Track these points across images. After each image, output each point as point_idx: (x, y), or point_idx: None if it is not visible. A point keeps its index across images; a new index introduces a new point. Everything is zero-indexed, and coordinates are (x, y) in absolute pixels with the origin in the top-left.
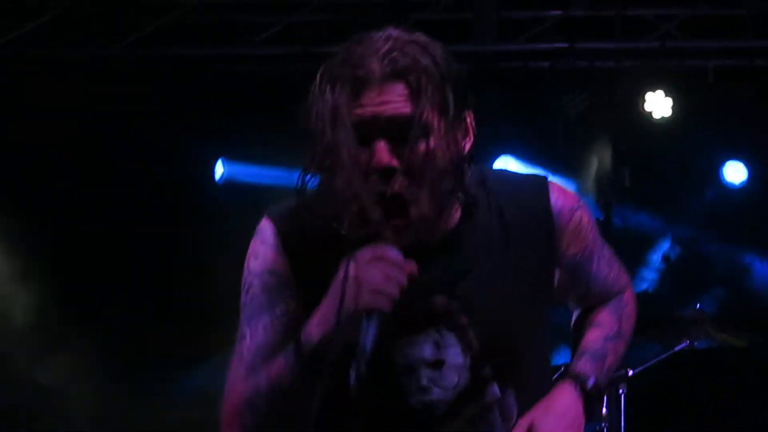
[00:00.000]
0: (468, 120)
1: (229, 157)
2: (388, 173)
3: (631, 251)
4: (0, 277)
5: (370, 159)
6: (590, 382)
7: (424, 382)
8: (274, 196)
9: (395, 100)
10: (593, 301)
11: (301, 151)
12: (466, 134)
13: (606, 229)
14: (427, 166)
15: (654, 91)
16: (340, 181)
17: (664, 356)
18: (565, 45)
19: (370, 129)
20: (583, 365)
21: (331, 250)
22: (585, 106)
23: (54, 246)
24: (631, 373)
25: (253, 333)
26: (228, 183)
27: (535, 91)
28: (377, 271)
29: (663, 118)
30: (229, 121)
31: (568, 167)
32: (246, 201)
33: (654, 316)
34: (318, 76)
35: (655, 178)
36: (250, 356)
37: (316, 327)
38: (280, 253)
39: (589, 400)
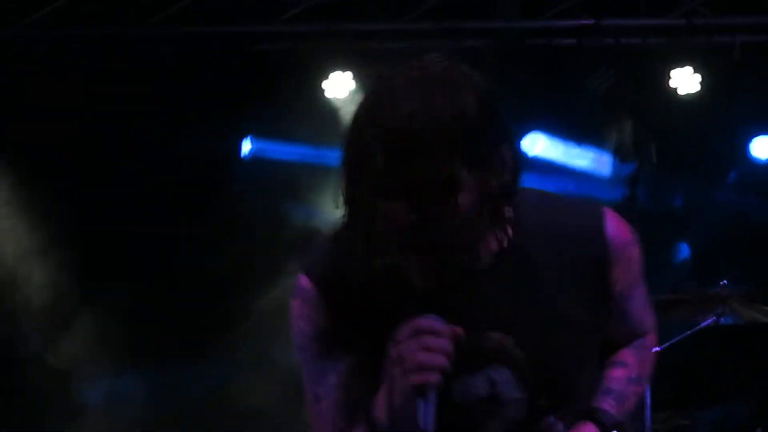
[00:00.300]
0: (504, 152)
1: (256, 134)
2: (409, 233)
3: (656, 229)
4: (21, 252)
5: (393, 216)
6: (613, 424)
7: (480, 418)
8: (301, 172)
9: (419, 159)
10: (619, 338)
11: (326, 128)
12: (502, 168)
13: (631, 206)
14: (450, 222)
15: (681, 67)
16: (363, 237)
17: (689, 333)
18: (591, 22)
19: (392, 187)
20: (609, 405)
21: (371, 296)
22: (611, 83)
23: (76, 221)
24: (656, 349)
25: (327, 394)
26: (255, 159)
27: (561, 68)
28: (418, 345)
29: (689, 94)
30: (257, 99)
31: (597, 143)
32: (273, 177)
33: (679, 292)
34: (348, 124)
35: (682, 155)
36: (330, 417)
37: (380, 409)
38: (326, 311)
39: None
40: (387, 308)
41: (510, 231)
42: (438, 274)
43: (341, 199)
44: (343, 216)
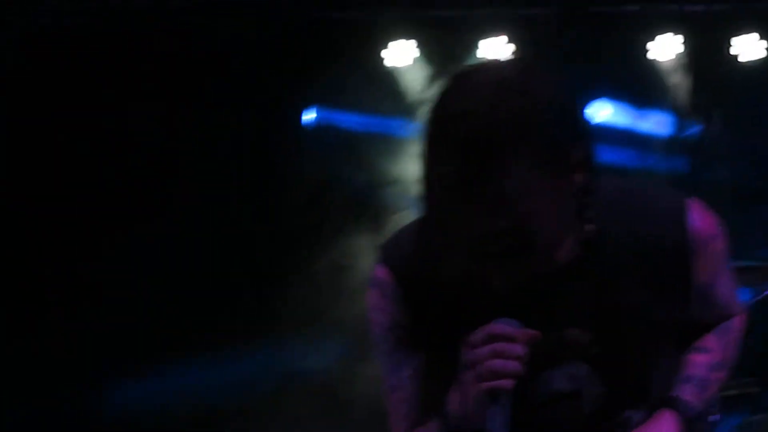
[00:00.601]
0: (580, 153)
1: (319, 102)
2: (489, 234)
3: (719, 197)
4: None
5: (470, 221)
6: (693, 413)
7: (559, 413)
8: (362, 140)
9: (494, 164)
10: (705, 322)
11: (388, 97)
12: (577, 169)
13: (693, 178)
14: (527, 226)
15: (746, 33)
16: (440, 241)
17: (756, 299)
18: None
19: (468, 192)
20: (689, 394)
21: (449, 294)
22: (675, 50)
23: (136, 190)
24: None
25: (402, 386)
26: (317, 127)
27: (625, 34)
28: (492, 350)
29: (752, 61)
30: (320, 67)
31: (661, 109)
32: (334, 145)
33: (746, 260)
34: (424, 123)
35: (745, 124)
36: (405, 408)
37: (454, 406)
38: (403, 305)
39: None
40: (464, 306)
41: (589, 229)
42: (516, 276)
43: (419, 196)
44: (421, 213)
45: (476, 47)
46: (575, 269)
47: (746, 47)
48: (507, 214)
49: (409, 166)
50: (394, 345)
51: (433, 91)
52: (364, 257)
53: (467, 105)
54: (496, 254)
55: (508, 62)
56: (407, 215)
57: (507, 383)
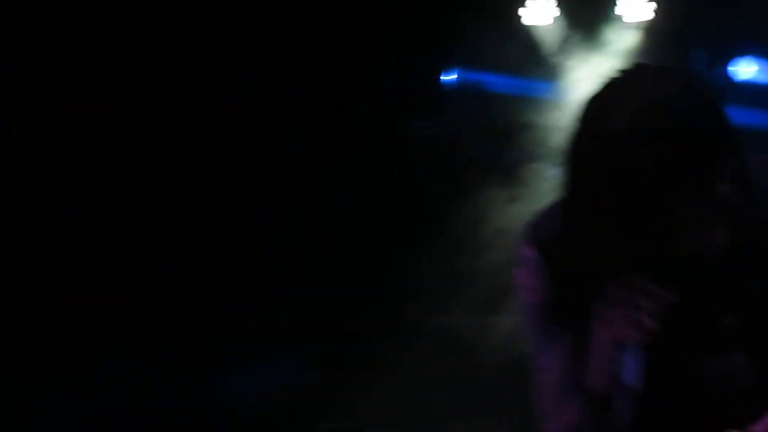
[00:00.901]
0: (726, 165)
1: (463, 64)
2: (634, 249)
3: None
4: None
5: (608, 239)
6: None
7: (717, 399)
8: (502, 101)
9: (636, 182)
10: None
11: (527, 57)
12: (724, 179)
13: None
14: (671, 237)
15: None
16: (579, 252)
17: None
18: None
19: (608, 209)
20: None
21: (595, 280)
22: None
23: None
24: None
25: (550, 365)
26: (461, 89)
27: None
28: (626, 301)
29: None
30: (461, 28)
31: None
32: (475, 105)
33: None
34: (575, 123)
35: None
36: (553, 388)
37: (588, 370)
38: (551, 284)
39: None
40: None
41: (740, 220)
42: (659, 273)
43: (563, 189)
44: (565, 206)
45: (615, 4)
46: (728, 258)
47: None
48: (650, 231)
49: (542, 122)
50: (544, 324)
51: (572, 52)
52: (498, 211)
53: (611, 125)
54: (641, 263)
55: (652, 75)
56: (540, 169)
57: (636, 333)
